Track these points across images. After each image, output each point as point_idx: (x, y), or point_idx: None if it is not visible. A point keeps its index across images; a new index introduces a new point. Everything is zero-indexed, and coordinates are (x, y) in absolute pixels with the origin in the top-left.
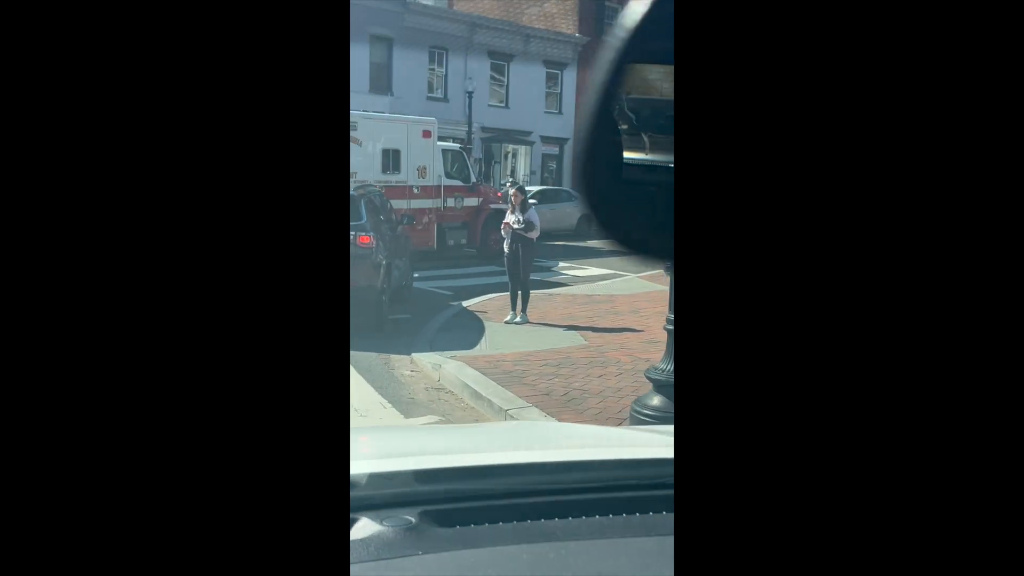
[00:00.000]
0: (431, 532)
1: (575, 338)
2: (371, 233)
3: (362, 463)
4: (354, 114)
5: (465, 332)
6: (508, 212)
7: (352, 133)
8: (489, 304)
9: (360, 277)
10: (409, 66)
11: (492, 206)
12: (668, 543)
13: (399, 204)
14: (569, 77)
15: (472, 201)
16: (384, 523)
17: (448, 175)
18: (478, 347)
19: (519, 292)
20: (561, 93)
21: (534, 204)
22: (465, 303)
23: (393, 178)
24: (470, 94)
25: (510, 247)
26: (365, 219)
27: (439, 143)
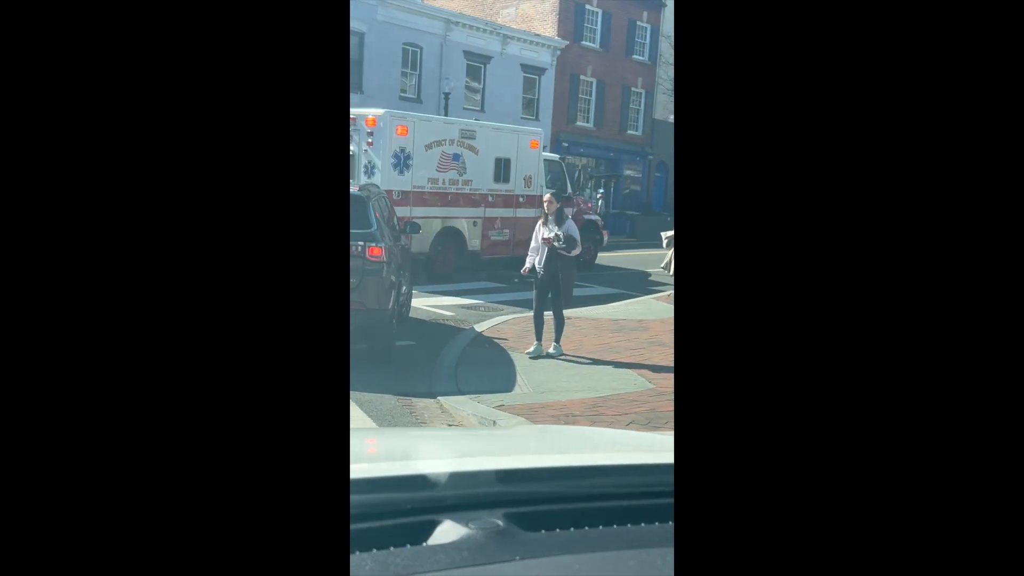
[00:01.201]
0: (521, 536)
1: (635, 379)
2: (382, 244)
3: (436, 463)
4: (472, 123)
5: (492, 367)
6: (539, 223)
7: (470, 142)
8: (506, 329)
9: (369, 297)
10: (381, 63)
11: (585, 217)
12: None
13: (506, 213)
14: (547, 81)
15: (568, 211)
16: (470, 526)
17: (547, 185)
18: (517, 388)
19: (546, 318)
20: (538, 98)
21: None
22: (478, 327)
23: (503, 187)
24: (447, 95)
25: (545, 267)
26: (375, 227)
27: (543, 154)
